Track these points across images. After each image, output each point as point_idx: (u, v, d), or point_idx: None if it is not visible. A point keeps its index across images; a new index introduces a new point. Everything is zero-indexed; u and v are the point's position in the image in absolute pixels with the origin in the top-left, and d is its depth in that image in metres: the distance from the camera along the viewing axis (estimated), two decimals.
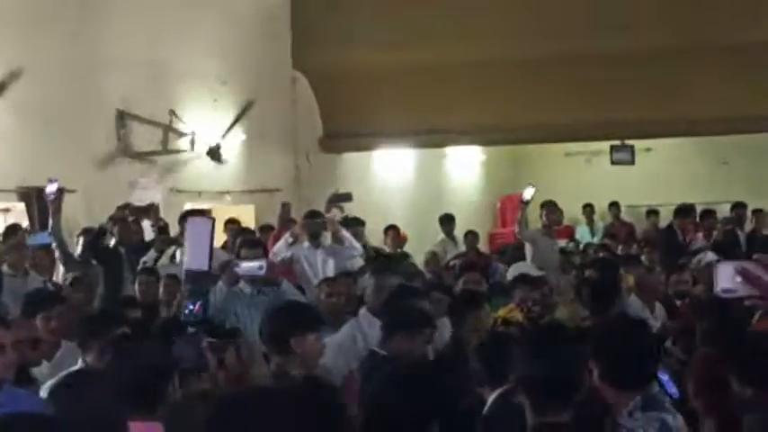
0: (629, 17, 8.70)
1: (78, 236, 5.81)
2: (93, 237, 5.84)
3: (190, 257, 2.77)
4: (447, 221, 8.86)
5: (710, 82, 8.83)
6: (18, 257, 5.05)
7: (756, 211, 8.53)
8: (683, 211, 7.99)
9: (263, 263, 3.90)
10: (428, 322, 3.14)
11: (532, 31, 8.76)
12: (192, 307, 2.59)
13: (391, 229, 8.12)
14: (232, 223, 6.84)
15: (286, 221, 7.20)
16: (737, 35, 8.59)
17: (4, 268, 4.92)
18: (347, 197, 7.67)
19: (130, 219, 6.52)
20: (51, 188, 5.31)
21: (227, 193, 8.21)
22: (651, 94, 8.84)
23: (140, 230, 6.61)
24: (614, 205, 10.31)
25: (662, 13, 8.74)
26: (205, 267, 2.66)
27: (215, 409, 1.31)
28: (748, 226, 8.39)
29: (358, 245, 6.14)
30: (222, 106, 8.23)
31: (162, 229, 6.55)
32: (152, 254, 6.03)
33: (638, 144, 10.29)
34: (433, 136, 9.44)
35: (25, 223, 6.32)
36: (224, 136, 8.07)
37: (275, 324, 2.67)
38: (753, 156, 10.79)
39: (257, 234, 6.67)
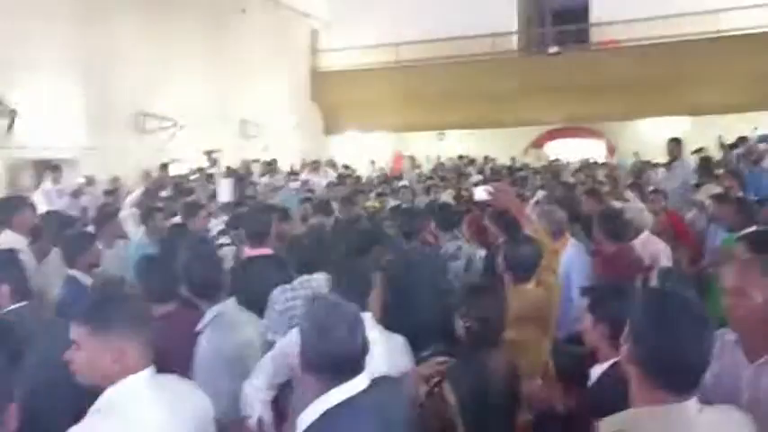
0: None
1: None
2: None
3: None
4: (372, 163, 20.47)
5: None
6: None
7: None
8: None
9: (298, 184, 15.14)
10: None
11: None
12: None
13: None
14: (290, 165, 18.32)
15: (308, 164, 18.69)
16: None
17: None
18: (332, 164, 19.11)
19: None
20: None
21: (292, 152, 19.31)
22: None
23: None
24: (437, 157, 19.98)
25: None
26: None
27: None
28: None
29: (332, 173, 17.73)
30: (286, 119, 19.28)
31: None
32: None
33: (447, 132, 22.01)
34: (367, 128, 21.23)
35: None
36: (290, 129, 19.24)
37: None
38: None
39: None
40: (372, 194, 10.18)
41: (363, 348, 1.93)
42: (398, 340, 2.99)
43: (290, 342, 2.64)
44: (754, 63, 15.61)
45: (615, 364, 2.35)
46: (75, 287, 4.02)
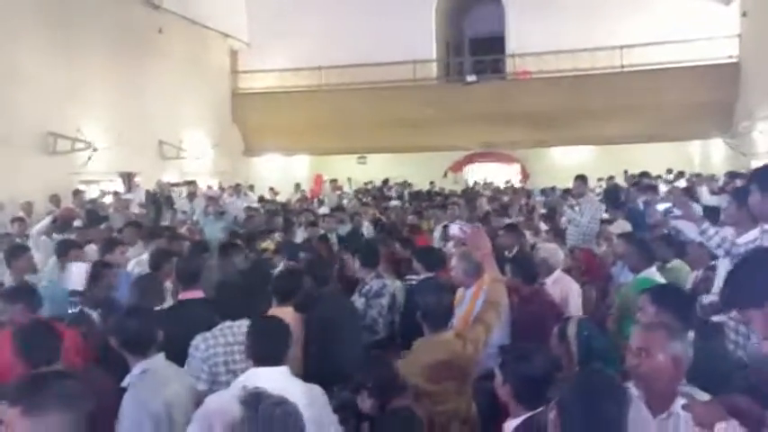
0: None
1: None
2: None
3: None
4: (297, 186, 20.30)
5: None
6: None
7: None
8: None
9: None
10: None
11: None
12: None
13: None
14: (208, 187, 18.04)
15: (229, 187, 18.44)
16: None
17: None
18: (251, 187, 19.01)
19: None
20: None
21: (211, 174, 18.85)
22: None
23: None
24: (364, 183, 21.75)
25: None
26: None
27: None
28: None
29: (254, 196, 17.65)
30: (206, 141, 18.93)
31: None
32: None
33: (368, 156, 22.42)
34: (288, 151, 21.23)
35: None
36: (209, 150, 18.87)
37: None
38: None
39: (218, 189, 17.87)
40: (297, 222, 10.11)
41: None
42: (317, 392, 3.05)
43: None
44: (655, 97, 16.61)
45: (526, 420, 2.54)
46: None
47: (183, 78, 17.43)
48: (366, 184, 19.33)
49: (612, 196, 11.28)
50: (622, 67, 17.34)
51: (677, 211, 4.67)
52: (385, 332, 5.43)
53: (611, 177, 15.32)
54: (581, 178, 8.21)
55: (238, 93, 20.43)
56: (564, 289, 5.22)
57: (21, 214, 9.93)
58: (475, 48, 22.44)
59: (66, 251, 5.99)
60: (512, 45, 19.34)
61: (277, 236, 8.10)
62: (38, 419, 1.92)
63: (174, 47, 16.96)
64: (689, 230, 4.79)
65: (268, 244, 7.38)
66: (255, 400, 1.92)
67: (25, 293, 4.10)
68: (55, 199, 11.61)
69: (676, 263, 5.61)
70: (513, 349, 2.85)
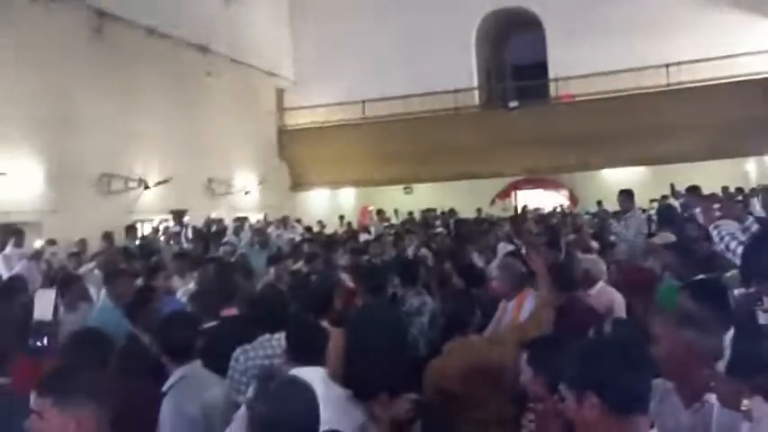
0: None
1: None
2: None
3: None
4: (341, 218, 20.50)
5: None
6: None
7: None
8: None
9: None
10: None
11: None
12: None
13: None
14: (258, 221, 18.39)
15: (276, 220, 18.82)
16: None
17: None
18: (295, 219, 19.28)
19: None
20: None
21: (259, 209, 19.36)
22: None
23: None
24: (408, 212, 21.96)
25: None
26: None
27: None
28: None
29: (300, 228, 17.88)
30: (253, 176, 19.55)
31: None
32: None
33: (414, 186, 22.57)
34: (335, 184, 21.53)
35: None
36: (257, 186, 19.45)
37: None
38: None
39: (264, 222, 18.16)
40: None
41: (318, 424, 2.00)
42: (340, 393, 3.07)
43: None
44: (704, 114, 16.24)
45: None
46: None
47: (231, 117, 17.94)
48: (410, 213, 19.33)
49: (665, 216, 11.02)
50: (668, 85, 17.07)
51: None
52: (426, 350, 5.40)
53: (664, 197, 14.95)
54: (626, 193, 8.08)
55: (285, 129, 20.88)
56: (608, 300, 5.13)
57: (75, 250, 10.27)
58: (517, 75, 22.46)
59: (113, 278, 6.13)
60: (554, 70, 19.26)
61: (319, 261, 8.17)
62: (68, 409, 1.98)
63: (222, 88, 17.51)
64: (731, 228, 4.65)
65: (300, 266, 7.46)
66: (269, 376, 1.93)
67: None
68: (108, 237, 11.96)
69: (735, 273, 5.42)
70: (539, 342, 2.79)
